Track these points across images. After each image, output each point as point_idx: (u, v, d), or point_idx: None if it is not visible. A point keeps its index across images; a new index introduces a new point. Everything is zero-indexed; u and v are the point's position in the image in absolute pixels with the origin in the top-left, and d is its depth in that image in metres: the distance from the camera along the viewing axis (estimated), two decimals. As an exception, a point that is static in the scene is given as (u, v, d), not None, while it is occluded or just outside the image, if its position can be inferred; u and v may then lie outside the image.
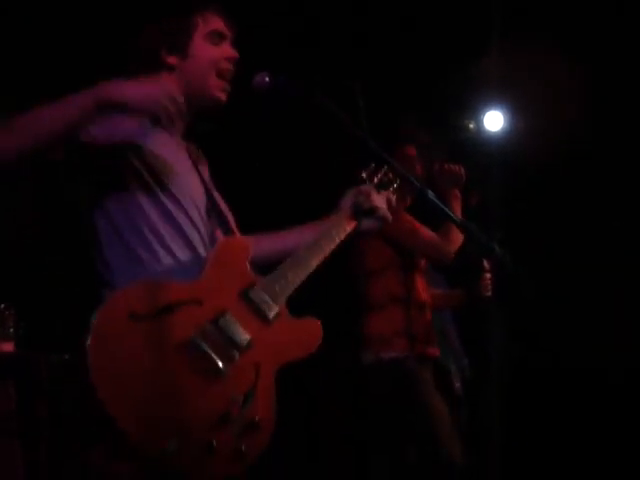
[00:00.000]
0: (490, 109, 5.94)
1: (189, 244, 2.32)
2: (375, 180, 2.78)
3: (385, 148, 2.46)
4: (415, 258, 3.94)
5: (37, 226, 5.43)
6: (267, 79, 2.46)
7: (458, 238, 3.81)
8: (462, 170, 3.98)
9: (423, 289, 3.97)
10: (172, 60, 2.49)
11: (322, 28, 5.39)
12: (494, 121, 5.95)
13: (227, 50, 2.55)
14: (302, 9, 5.28)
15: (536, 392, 6.10)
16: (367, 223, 2.73)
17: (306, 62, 5.06)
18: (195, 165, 2.54)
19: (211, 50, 2.52)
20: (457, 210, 3.93)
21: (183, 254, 2.30)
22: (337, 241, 2.60)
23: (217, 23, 2.55)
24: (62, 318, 5.23)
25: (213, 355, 2.10)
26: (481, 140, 5.93)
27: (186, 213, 2.36)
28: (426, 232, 3.87)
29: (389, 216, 2.68)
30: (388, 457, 3.88)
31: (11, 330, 4.40)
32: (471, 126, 5.95)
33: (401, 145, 3.98)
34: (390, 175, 2.79)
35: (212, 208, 2.45)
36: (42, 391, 4.80)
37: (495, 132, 5.95)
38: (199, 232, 2.37)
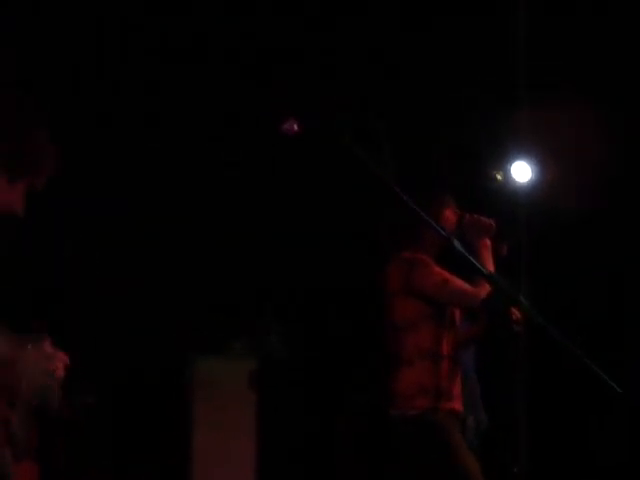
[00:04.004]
0: (517, 160, 5.95)
1: None
2: None
3: (413, 195, 2.45)
4: (448, 311, 3.91)
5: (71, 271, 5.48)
6: (296, 127, 2.47)
7: (486, 288, 3.79)
8: (492, 221, 3.96)
9: (453, 341, 3.93)
10: None
11: (354, 78, 5.43)
12: (522, 172, 5.95)
13: None
14: (331, 53, 5.33)
15: (558, 440, 6.04)
16: None
17: (334, 106, 5.10)
18: None
19: None
20: (488, 260, 3.90)
21: None
22: None
23: None
24: (85, 359, 5.25)
25: None
26: (509, 191, 5.93)
27: None
28: (458, 283, 3.84)
29: None
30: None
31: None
32: (499, 177, 5.96)
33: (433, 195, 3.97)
34: None
35: None
36: (64, 432, 4.79)
37: (522, 183, 5.95)
38: None
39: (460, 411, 3.92)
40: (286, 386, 6.05)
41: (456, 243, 2.44)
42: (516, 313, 3.88)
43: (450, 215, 3.99)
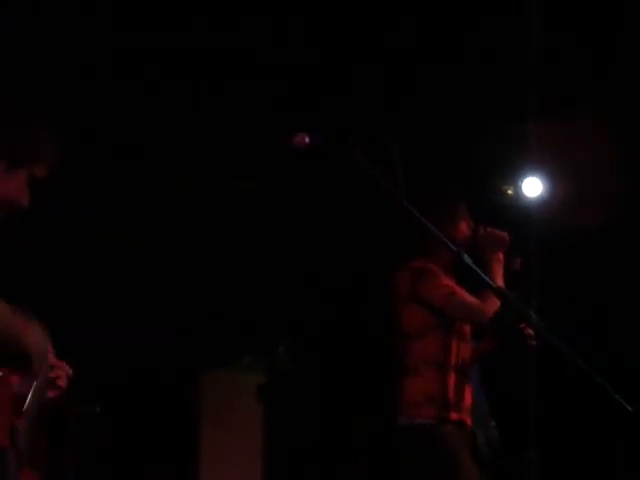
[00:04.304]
0: (528, 175, 5.94)
1: None
2: None
3: (426, 207, 2.45)
4: (455, 322, 3.91)
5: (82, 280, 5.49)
6: (307, 139, 2.47)
7: (495, 302, 3.78)
8: (506, 235, 3.95)
9: (461, 354, 3.92)
10: None
11: (365, 91, 5.44)
12: (532, 187, 5.94)
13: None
14: (341, 67, 5.34)
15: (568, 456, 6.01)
16: None
17: (344, 120, 5.11)
18: None
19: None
20: (498, 274, 3.88)
21: None
22: None
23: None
24: (94, 369, 5.25)
25: None
26: (519, 206, 5.92)
27: None
28: (464, 296, 3.83)
29: None
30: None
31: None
32: (510, 192, 5.95)
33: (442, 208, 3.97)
34: None
35: None
36: (70, 441, 4.79)
37: (533, 198, 5.94)
38: None
39: (470, 425, 3.91)
40: (293, 400, 6.04)
41: (465, 257, 2.43)
42: (529, 329, 3.87)
43: (465, 227, 3.98)
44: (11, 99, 2.23)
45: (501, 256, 3.92)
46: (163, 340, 6.06)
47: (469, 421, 3.91)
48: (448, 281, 3.85)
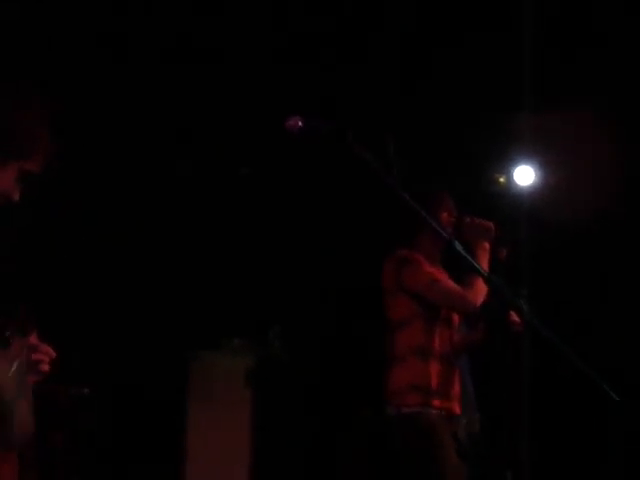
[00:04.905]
0: (521, 164, 5.95)
1: None
2: None
3: (415, 196, 2.45)
4: (440, 310, 3.93)
5: (64, 259, 5.48)
6: (300, 123, 2.47)
7: (482, 290, 3.80)
8: (492, 225, 3.97)
9: (446, 342, 3.94)
10: None
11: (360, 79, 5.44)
12: (525, 176, 5.95)
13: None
14: (336, 56, 5.34)
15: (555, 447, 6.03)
16: None
17: (339, 108, 5.11)
18: None
19: None
20: (484, 263, 3.91)
21: None
22: None
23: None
24: (83, 351, 5.26)
25: None
26: (511, 194, 5.93)
27: None
28: (447, 283, 3.86)
29: None
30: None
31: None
32: (502, 180, 5.95)
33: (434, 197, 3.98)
34: None
35: None
36: (60, 423, 4.80)
37: (525, 187, 5.95)
38: None
39: (457, 413, 3.93)
40: (282, 384, 6.05)
41: (457, 244, 2.44)
42: (514, 315, 3.89)
43: (446, 218, 3.99)
44: (4, 90, 2.19)
45: (487, 246, 3.95)
46: (152, 322, 6.06)
47: (457, 410, 3.93)
48: (432, 269, 3.88)
